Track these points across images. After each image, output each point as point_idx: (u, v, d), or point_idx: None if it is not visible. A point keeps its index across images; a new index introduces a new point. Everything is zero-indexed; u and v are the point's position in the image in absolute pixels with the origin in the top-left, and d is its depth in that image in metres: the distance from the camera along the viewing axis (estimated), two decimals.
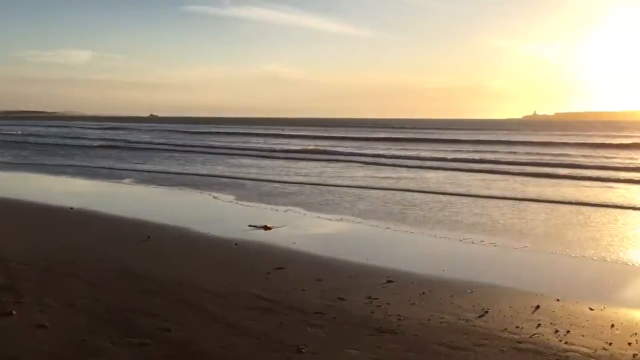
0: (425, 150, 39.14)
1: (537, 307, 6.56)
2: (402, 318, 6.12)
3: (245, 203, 15.08)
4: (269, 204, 14.85)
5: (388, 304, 6.59)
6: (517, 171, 24.07)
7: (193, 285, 7.24)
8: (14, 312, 5.96)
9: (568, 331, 5.79)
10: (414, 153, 36.38)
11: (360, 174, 23.92)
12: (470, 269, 8.57)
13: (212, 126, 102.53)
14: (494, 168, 25.29)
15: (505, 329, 5.86)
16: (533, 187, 19.03)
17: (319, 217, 12.91)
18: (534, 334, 5.71)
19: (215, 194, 16.66)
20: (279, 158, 32.90)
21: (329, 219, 12.68)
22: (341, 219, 12.68)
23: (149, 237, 10.09)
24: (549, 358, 5.11)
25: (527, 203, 15.32)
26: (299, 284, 7.33)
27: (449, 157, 32.03)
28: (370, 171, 25.09)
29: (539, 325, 5.97)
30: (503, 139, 54.06)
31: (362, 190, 18.20)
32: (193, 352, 5.13)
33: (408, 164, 28.22)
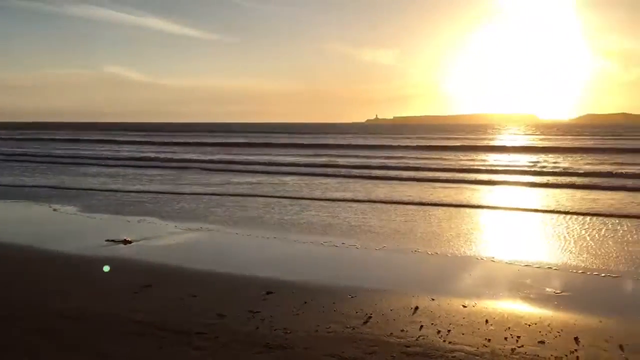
0: (277, 155, 39.40)
1: (416, 308, 6.70)
2: (289, 331, 5.86)
3: (93, 215, 13.78)
4: (120, 214, 13.78)
5: (272, 317, 6.29)
6: (366, 174, 25.04)
7: (46, 311, 6.31)
8: None
9: (449, 330, 5.96)
10: (266, 158, 36.38)
11: (216, 179, 23.27)
12: (343, 272, 8.58)
13: (47, 132, 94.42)
14: (337, 172, 26.06)
15: (391, 333, 5.87)
16: (381, 188, 19.88)
17: (176, 226, 12.18)
18: (419, 337, 5.78)
19: (57, 206, 15.05)
20: (126, 166, 30.94)
21: (189, 229, 12.01)
22: (201, 228, 12.09)
23: None
24: None
25: (378, 204, 15.87)
26: (172, 301, 6.74)
27: (301, 162, 32.49)
28: (225, 177, 24.51)
29: (422, 327, 6.08)
30: (353, 143, 56.47)
31: (219, 197, 17.64)
32: None
33: (257, 170, 28.10)
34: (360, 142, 60.49)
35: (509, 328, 6.03)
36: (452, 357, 5.28)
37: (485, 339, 5.73)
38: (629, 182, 20.72)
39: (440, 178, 23.28)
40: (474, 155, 38.06)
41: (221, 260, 9.33)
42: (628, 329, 6.08)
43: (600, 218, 13.36)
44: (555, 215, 13.94)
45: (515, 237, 11.77)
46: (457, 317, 6.39)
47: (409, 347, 5.51)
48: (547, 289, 7.58)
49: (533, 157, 35.56)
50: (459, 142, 57.33)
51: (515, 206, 15.74)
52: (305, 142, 57.30)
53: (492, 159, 35.51)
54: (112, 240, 10.26)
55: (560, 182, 21.28)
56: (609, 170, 25.59)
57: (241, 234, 11.52)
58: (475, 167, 28.44)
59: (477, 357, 5.30)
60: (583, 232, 11.63)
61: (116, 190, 19.17)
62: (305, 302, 6.85)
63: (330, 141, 61.08)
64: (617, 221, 12.84)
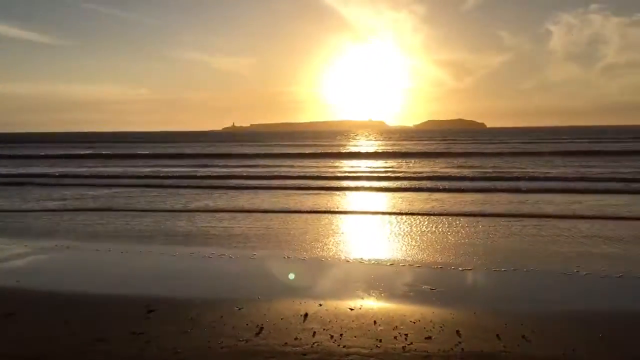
0: (130, 167, 37.45)
1: (306, 314, 6.69)
2: (179, 350, 5.54)
3: None
4: None
5: (157, 337, 5.89)
6: (232, 185, 24.66)
7: None
8: None
9: (341, 335, 6.03)
10: (120, 170, 34.41)
11: (68, 192, 21.47)
12: (224, 284, 8.31)
13: None
14: (200, 184, 25.46)
15: (286, 343, 5.80)
16: (247, 197, 19.72)
17: (27, 245, 10.99)
18: (314, 343, 5.78)
19: None
20: None
21: (45, 246, 10.90)
22: (57, 245, 11.04)
23: None
24: None
25: (246, 214, 15.71)
26: (42, 330, 6.04)
27: (162, 174, 31.21)
28: (79, 190, 22.70)
29: (315, 333, 6.08)
30: (208, 152, 55.40)
31: (73, 212, 16.29)
32: None
33: (110, 183, 26.51)
34: (230, 150, 59.70)
35: (397, 327, 6.26)
36: None
37: (377, 339, 5.89)
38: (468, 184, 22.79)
39: (292, 185, 23.64)
40: (323, 162, 39.47)
41: (89, 279, 8.57)
42: (501, 319, 6.60)
43: (449, 217, 14.47)
44: (407, 217, 14.81)
45: (377, 239, 12.29)
46: (346, 321, 6.49)
47: (306, 355, 5.48)
48: (423, 286, 8.00)
49: (375, 162, 38.06)
50: (313, 149, 59.17)
51: (366, 210, 16.50)
52: (168, 152, 55.26)
53: (344, 164, 37.29)
54: None
55: (402, 187, 22.74)
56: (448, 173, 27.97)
57: (105, 250, 10.70)
58: (317, 175, 29.01)
59: (372, 359, 5.42)
60: (440, 230, 12.48)
61: None
62: (192, 318, 6.52)
63: (188, 150, 59.55)
64: (452, 220, 14.00)
